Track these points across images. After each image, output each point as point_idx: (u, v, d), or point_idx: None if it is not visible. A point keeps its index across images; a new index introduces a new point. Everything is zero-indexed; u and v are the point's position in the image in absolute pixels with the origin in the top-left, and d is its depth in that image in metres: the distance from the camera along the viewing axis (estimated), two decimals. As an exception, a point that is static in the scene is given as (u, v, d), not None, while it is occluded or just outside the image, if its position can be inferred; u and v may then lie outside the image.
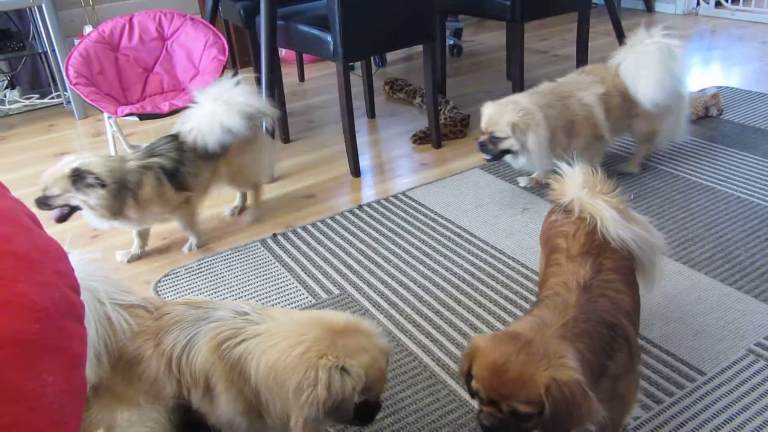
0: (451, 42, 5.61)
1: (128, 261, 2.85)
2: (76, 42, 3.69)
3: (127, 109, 3.34)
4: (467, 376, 1.44)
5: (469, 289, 2.53)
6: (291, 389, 1.36)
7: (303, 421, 1.36)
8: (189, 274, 2.72)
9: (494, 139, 2.92)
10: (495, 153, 2.97)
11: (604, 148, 3.24)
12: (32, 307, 0.94)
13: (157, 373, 1.50)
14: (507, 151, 2.96)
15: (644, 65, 3.01)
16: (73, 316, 1.05)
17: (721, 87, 4.40)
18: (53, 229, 1.71)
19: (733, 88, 4.45)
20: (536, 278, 2.49)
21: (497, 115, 2.90)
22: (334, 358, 1.36)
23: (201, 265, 2.78)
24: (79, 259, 1.50)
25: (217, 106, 2.67)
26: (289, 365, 1.36)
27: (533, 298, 2.42)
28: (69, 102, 4.72)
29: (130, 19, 3.74)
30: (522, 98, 2.94)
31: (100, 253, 1.66)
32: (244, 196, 3.27)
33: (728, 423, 1.89)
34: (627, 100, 3.09)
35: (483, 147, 3.00)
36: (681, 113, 3.25)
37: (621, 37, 4.46)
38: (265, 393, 1.41)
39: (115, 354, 1.48)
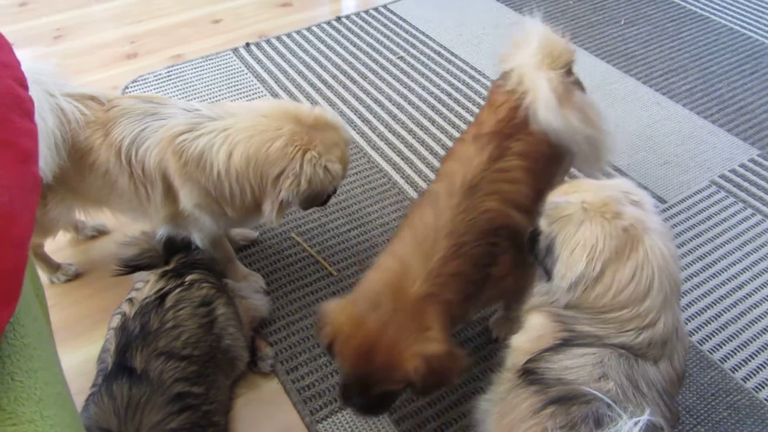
0: None
1: None
2: None
3: None
4: (328, 348, 1.36)
5: (444, 110, 2.49)
6: (271, 177, 1.47)
7: (279, 203, 1.50)
8: (158, 81, 2.62)
9: None
10: None
11: None
12: (-28, 96, 0.90)
13: (107, 163, 1.51)
14: None
15: None
16: (20, 111, 0.99)
17: None
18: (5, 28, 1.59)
19: None
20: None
21: None
22: (317, 154, 1.47)
23: (170, 72, 2.67)
24: (29, 56, 1.43)
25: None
26: (272, 156, 1.45)
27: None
28: None
29: None
30: None
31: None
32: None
33: (679, 247, 1.97)
34: None
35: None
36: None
37: None
38: (235, 182, 1.48)
39: (69, 144, 1.49)
